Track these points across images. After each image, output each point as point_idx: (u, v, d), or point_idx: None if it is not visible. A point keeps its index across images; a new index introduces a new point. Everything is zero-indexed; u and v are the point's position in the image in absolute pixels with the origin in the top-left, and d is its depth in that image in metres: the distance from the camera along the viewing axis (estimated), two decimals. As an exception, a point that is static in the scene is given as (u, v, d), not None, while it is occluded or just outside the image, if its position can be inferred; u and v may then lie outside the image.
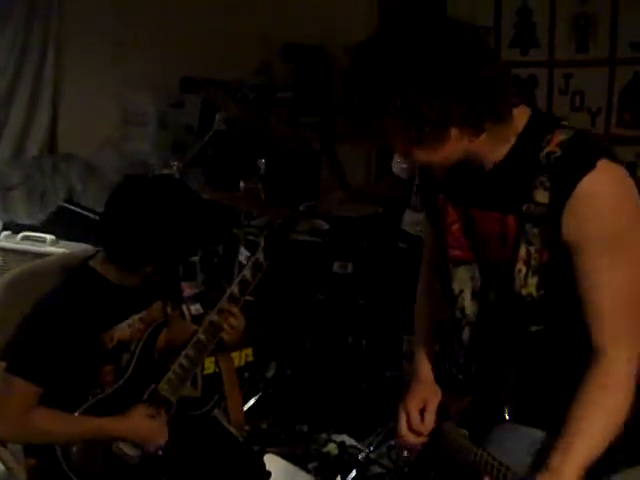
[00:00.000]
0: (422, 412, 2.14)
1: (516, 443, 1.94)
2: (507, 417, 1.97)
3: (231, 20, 6.22)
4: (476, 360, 2.05)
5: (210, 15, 6.21)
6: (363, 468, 3.62)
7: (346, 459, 3.70)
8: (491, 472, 1.87)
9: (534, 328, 1.92)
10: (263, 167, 4.29)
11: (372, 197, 4.65)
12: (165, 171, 4.08)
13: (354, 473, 3.56)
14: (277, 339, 4.17)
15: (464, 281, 2.01)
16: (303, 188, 5.77)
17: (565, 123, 1.86)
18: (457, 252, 2.01)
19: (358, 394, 4.01)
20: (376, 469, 3.67)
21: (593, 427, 1.79)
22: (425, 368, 2.20)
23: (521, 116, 1.87)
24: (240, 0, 6.21)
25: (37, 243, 4.35)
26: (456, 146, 1.78)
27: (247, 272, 2.49)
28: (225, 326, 2.52)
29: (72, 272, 2.53)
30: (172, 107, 6.32)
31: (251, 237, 4.02)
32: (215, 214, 3.00)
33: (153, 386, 2.53)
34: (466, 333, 2.03)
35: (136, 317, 2.54)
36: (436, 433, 2.12)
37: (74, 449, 2.42)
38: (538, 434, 1.93)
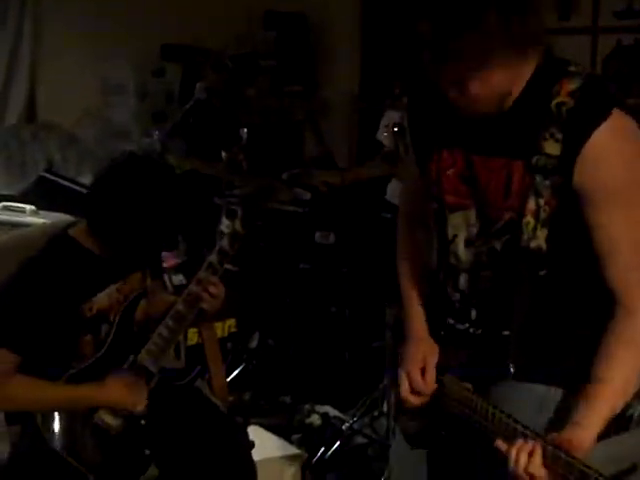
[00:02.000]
0: (422, 371, 2.08)
1: (522, 401, 1.94)
2: (512, 370, 1.93)
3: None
4: (476, 305, 2.00)
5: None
6: (347, 439, 3.63)
7: (330, 430, 3.70)
8: (505, 431, 1.84)
9: (541, 272, 1.90)
10: (245, 136, 4.25)
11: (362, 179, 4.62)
12: (146, 140, 4.05)
13: (338, 444, 3.56)
14: (260, 310, 4.16)
15: (459, 227, 1.97)
16: (286, 158, 5.74)
17: (573, 68, 1.83)
18: (452, 198, 1.97)
19: (341, 364, 4.01)
20: (360, 439, 3.68)
21: (616, 380, 1.81)
22: (419, 325, 2.14)
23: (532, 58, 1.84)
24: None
25: (17, 213, 4.32)
26: (507, 76, 1.78)
27: (225, 242, 2.47)
28: (205, 295, 2.50)
29: (52, 240, 2.51)
30: (152, 75, 6.26)
31: (233, 207, 3.99)
32: (196, 186, 2.99)
33: (132, 357, 2.52)
34: (462, 279, 2.00)
35: (114, 287, 2.52)
36: (439, 391, 2.08)
37: (55, 420, 2.41)
38: (544, 390, 1.94)
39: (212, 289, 2.51)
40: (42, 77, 6.18)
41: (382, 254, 3.96)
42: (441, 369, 2.08)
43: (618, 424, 2.10)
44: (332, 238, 3.97)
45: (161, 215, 2.46)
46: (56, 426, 2.42)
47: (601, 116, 1.75)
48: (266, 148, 5.19)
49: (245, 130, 4.19)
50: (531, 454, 1.75)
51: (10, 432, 2.51)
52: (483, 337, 2.01)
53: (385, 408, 3.58)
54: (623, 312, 1.83)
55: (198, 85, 4.34)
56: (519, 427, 1.81)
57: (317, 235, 3.98)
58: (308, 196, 3.95)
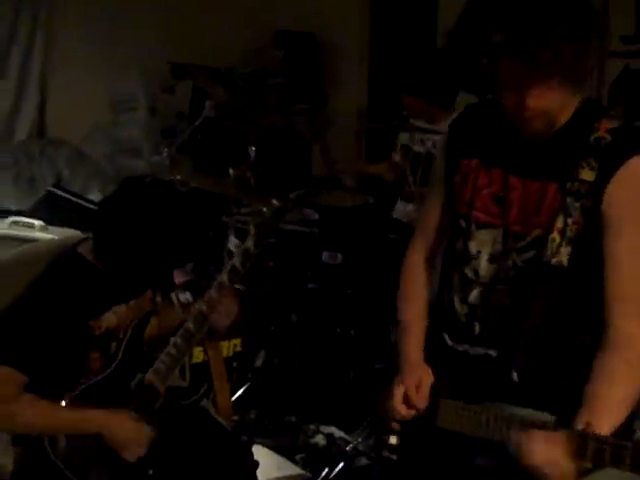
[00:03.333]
0: (416, 388, 2.14)
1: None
2: (515, 379, 1.96)
3: (223, 6, 6.21)
4: (481, 319, 2.06)
5: (202, 1, 6.18)
6: (351, 460, 3.62)
7: (334, 451, 3.69)
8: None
9: (555, 297, 1.95)
10: (253, 154, 4.26)
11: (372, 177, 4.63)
12: (155, 157, 4.06)
13: (342, 465, 3.55)
14: (266, 329, 4.15)
15: (484, 243, 2.05)
16: (293, 176, 5.75)
17: (613, 112, 1.99)
18: (482, 215, 2.05)
19: (346, 385, 4.00)
20: (364, 461, 3.67)
21: (616, 394, 1.85)
22: (416, 351, 2.20)
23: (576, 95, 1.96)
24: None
25: (25, 228, 4.33)
26: (560, 98, 1.89)
27: (236, 260, 2.46)
28: (213, 315, 2.50)
29: (60, 258, 2.51)
30: (162, 93, 6.30)
31: (240, 225, 4.00)
32: (204, 204, 2.99)
33: (140, 375, 2.51)
34: (475, 293, 2.07)
35: (124, 305, 2.52)
36: (431, 410, 2.12)
37: (61, 437, 2.40)
38: (541, 416, 1.94)
39: (221, 309, 2.51)
40: (52, 93, 6.22)
41: (388, 275, 3.98)
42: (434, 395, 2.13)
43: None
44: (340, 258, 3.97)
45: (168, 241, 2.46)
46: (61, 441, 2.40)
47: (635, 149, 1.89)
48: (274, 166, 5.19)
49: (253, 148, 4.20)
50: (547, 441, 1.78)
51: (14, 453, 2.49)
52: (480, 357, 2.06)
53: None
54: (615, 336, 1.89)
55: (207, 103, 4.36)
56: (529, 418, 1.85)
57: (325, 255, 3.98)
58: (316, 216, 3.95)
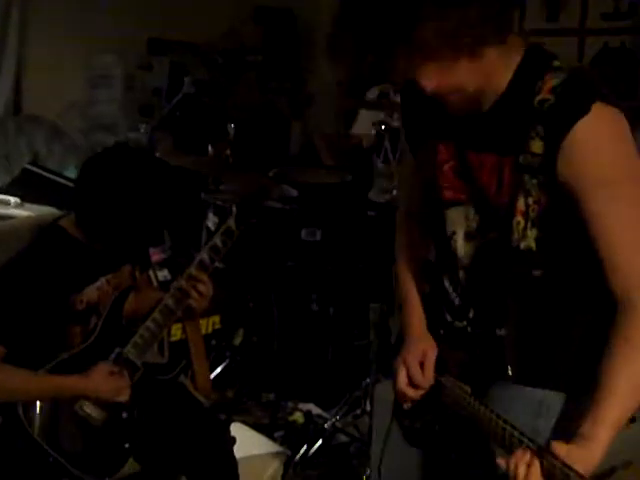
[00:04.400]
0: (421, 366, 2.06)
1: (520, 405, 1.91)
2: (510, 373, 1.91)
3: (201, -19, 6.15)
4: (474, 303, 1.98)
5: (179, -24, 6.13)
6: (329, 437, 3.63)
7: (312, 428, 3.70)
8: (502, 438, 1.81)
9: (536, 273, 1.87)
10: (232, 132, 4.23)
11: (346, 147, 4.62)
12: (132, 134, 4.03)
13: (320, 442, 3.56)
14: (245, 306, 4.15)
15: (457, 222, 1.95)
16: (272, 153, 5.73)
17: (557, 63, 1.79)
18: (449, 193, 1.94)
19: (325, 363, 4.01)
20: (342, 438, 3.68)
21: (622, 386, 1.73)
22: (417, 323, 2.12)
23: (515, 48, 1.81)
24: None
25: (2, 205, 4.32)
26: (463, 70, 1.72)
27: (218, 239, 2.46)
28: (193, 293, 2.50)
29: (42, 231, 2.51)
30: (139, 69, 6.24)
31: (219, 202, 3.98)
32: (183, 181, 2.97)
33: (118, 349, 2.51)
34: (461, 275, 1.98)
35: (104, 279, 2.52)
36: (436, 388, 2.06)
37: (37, 410, 2.40)
38: (542, 394, 1.90)
39: (201, 287, 2.50)
40: (28, 70, 6.14)
41: (367, 252, 3.98)
42: (440, 368, 2.06)
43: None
44: (319, 235, 3.96)
45: (148, 207, 2.47)
46: (37, 415, 2.40)
47: (581, 110, 1.70)
48: (252, 143, 5.17)
49: (232, 125, 4.18)
50: (529, 465, 1.70)
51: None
52: (480, 337, 1.98)
53: (368, 407, 3.58)
54: (625, 310, 1.76)
55: (186, 79, 4.33)
56: (516, 434, 1.77)
57: (303, 232, 3.97)
58: (295, 193, 3.94)
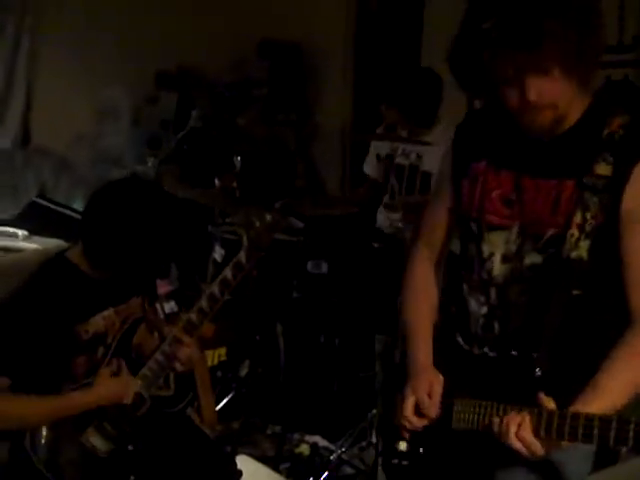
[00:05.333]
0: (428, 396, 2.11)
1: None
2: (538, 374, 1.94)
3: (207, 15, 6.20)
4: (501, 318, 2.05)
5: (187, 10, 6.18)
6: (335, 469, 3.62)
7: (318, 460, 3.69)
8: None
9: (575, 292, 1.95)
10: (239, 165, 4.26)
11: (349, 203, 4.65)
12: (140, 167, 4.06)
13: (326, 474, 3.55)
14: (251, 338, 4.15)
15: (496, 245, 2.05)
16: (278, 186, 5.75)
17: (622, 108, 1.96)
18: (494, 218, 2.05)
19: (331, 394, 4.00)
20: (348, 470, 3.67)
21: (622, 376, 1.85)
22: (425, 354, 2.16)
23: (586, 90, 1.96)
24: (218, -4, 6.19)
25: (9, 238, 4.34)
26: (565, 92, 1.88)
27: (228, 272, 2.46)
28: (180, 355, 2.50)
29: (47, 262, 2.52)
30: (147, 102, 6.28)
31: (226, 235, 4.00)
32: (190, 214, 2.99)
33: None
34: (492, 294, 2.06)
35: (112, 310, 2.52)
36: (445, 416, 2.09)
37: (42, 440, 2.40)
38: None
39: (185, 351, 2.50)
40: (36, 102, 6.20)
41: (373, 284, 3.98)
42: (446, 397, 2.10)
43: (607, 458, 2.12)
44: (324, 267, 3.98)
45: (154, 237, 2.47)
46: (42, 446, 2.39)
47: None
48: (258, 176, 5.20)
49: (239, 158, 4.21)
50: (520, 424, 1.81)
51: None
52: (503, 359, 2.04)
53: (373, 438, 3.57)
54: (634, 322, 1.90)
55: (193, 113, 4.36)
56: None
57: (309, 264, 3.99)
58: (301, 225, 3.95)
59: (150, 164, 4.07)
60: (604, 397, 1.83)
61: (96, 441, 2.46)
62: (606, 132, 1.92)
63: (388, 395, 2.25)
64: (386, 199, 4.33)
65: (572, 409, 1.80)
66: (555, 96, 1.87)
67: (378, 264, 4.00)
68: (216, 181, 4.26)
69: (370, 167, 4.52)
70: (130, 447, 2.50)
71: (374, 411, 3.54)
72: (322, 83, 6.52)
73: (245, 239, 2.42)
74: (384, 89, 4.35)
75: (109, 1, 6.24)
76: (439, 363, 2.15)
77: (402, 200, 4.15)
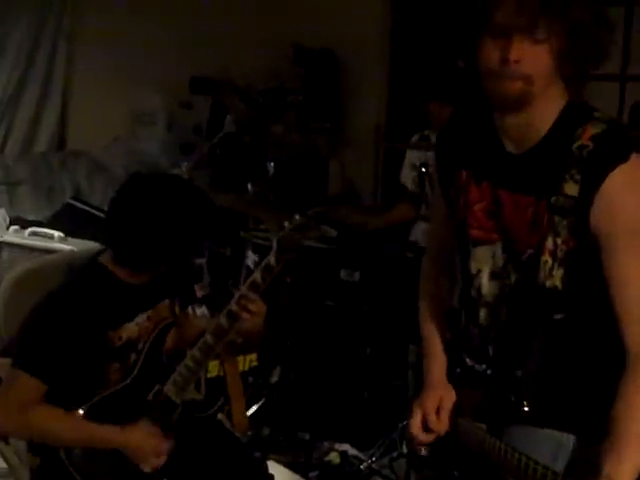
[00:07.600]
0: (437, 411, 2.10)
1: (539, 446, 1.91)
2: (526, 409, 1.91)
3: (243, 22, 6.22)
4: (494, 341, 2.01)
5: (222, 17, 6.20)
6: (365, 479, 3.60)
7: (348, 469, 3.68)
8: (525, 472, 1.81)
9: (557, 316, 1.90)
10: (272, 171, 4.27)
11: (390, 219, 4.61)
12: (174, 172, 4.07)
13: (355, 483, 3.54)
14: (282, 345, 4.15)
15: (483, 261, 1.98)
16: (310, 193, 5.75)
17: (598, 114, 1.84)
18: (477, 232, 1.98)
19: (361, 403, 3.99)
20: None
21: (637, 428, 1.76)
22: (438, 371, 2.15)
23: (562, 93, 1.87)
24: (252, 2, 6.20)
25: (45, 239, 4.37)
26: (545, 72, 1.81)
27: (257, 275, 2.45)
28: (244, 314, 2.44)
29: (82, 268, 2.52)
30: (181, 107, 6.31)
31: (259, 241, 4.00)
32: (222, 216, 2.98)
33: (158, 387, 2.51)
34: (482, 313, 2.00)
35: (144, 315, 2.52)
36: (453, 430, 2.08)
37: (77, 448, 2.41)
38: (561, 437, 1.91)
39: (251, 306, 2.45)
40: (73, 105, 6.24)
41: (405, 293, 3.96)
42: (456, 412, 2.09)
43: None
44: (357, 276, 3.97)
45: (183, 231, 2.45)
46: (77, 454, 2.41)
47: (618, 159, 1.76)
48: (291, 183, 5.20)
49: (272, 164, 4.21)
50: None
51: (31, 463, 2.50)
52: (498, 378, 2.00)
53: (404, 449, 3.56)
54: (633, 359, 1.80)
55: (228, 118, 4.36)
56: (539, 468, 1.78)
57: (342, 272, 3.98)
58: (334, 233, 3.95)
59: (184, 169, 4.08)
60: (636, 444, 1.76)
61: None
62: (576, 145, 1.80)
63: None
64: (423, 210, 4.31)
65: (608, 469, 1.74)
66: (534, 67, 1.78)
67: (411, 274, 3.98)
68: (249, 187, 4.27)
69: (406, 177, 4.50)
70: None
71: (405, 422, 3.52)
72: (356, 90, 6.52)
73: (275, 242, 2.41)
74: (436, 86, 4.26)
75: (146, 6, 6.28)
76: (451, 377, 2.14)
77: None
